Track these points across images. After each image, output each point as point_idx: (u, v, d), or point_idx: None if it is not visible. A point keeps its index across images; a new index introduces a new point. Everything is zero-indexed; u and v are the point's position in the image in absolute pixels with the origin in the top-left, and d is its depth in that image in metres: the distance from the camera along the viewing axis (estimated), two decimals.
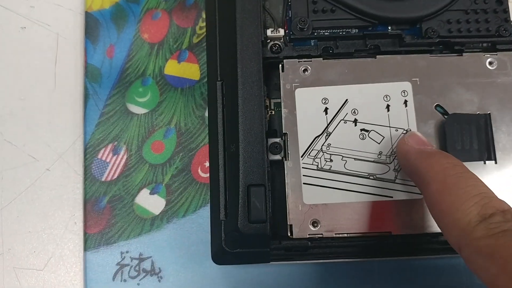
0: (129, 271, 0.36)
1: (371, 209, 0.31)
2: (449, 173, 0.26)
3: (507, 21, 0.33)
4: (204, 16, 0.39)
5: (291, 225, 0.31)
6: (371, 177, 0.31)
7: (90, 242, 0.36)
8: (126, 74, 0.39)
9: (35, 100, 0.38)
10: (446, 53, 0.33)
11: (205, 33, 0.38)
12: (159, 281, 0.36)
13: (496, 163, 0.31)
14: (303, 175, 0.31)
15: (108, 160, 0.37)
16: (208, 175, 0.36)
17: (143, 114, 0.38)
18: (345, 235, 0.31)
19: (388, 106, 0.32)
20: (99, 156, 0.38)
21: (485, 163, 0.31)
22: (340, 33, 0.34)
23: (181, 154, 0.37)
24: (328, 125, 0.32)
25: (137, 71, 0.39)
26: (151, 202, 0.37)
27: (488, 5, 0.33)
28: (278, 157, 0.32)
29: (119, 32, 0.40)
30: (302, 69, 0.33)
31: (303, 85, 0.32)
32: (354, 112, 0.32)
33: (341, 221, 0.31)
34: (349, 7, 0.33)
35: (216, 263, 0.32)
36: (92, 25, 0.40)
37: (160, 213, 0.37)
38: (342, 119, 0.32)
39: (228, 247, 0.31)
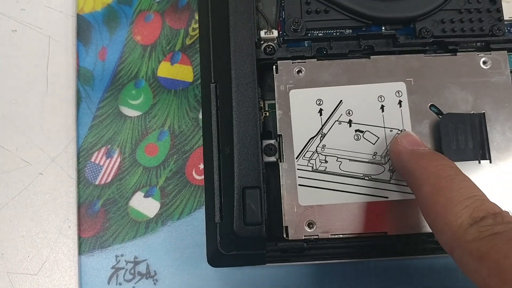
0: (124, 274, 0.36)
1: (367, 209, 0.31)
2: (441, 175, 0.26)
3: (500, 20, 0.33)
4: (197, 17, 0.39)
5: (286, 227, 0.31)
6: (366, 178, 0.31)
7: (85, 246, 0.36)
8: (118, 77, 0.39)
9: (27, 103, 0.38)
10: (440, 53, 0.33)
11: (198, 35, 0.38)
12: (155, 284, 0.35)
13: (490, 162, 0.31)
14: (298, 177, 0.31)
15: (101, 163, 0.37)
16: (202, 177, 0.36)
17: (137, 116, 0.38)
18: (341, 236, 0.31)
19: (382, 107, 0.32)
20: (93, 160, 0.37)
21: (480, 162, 0.31)
22: (334, 33, 0.34)
23: (175, 156, 0.37)
24: (322, 126, 0.32)
25: (130, 74, 0.39)
26: (146, 205, 0.37)
27: (482, 5, 0.34)
28: (273, 158, 0.32)
29: (111, 34, 0.39)
30: (296, 70, 0.33)
31: (297, 86, 0.32)
32: (349, 113, 0.32)
33: (337, 222, 0.31)
34: (343, 7, 0.33)
35: (212, 266, 0.32)
36: (84, 27, 0.39)
37: (155, 216, 0.36)
38: (337, 120, 0.32)
39: (224, 250, 0.31)
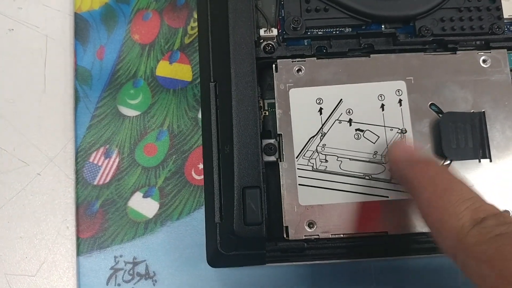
0: (123, 275, 0.35)
1: (367, 209, 0.31)
2: (439, 179, 0.26)
3: (500, 19, 0.33)
4: (195, 16, 0.39)
5: (287, 227, 0.31)
6: (366, 177, 0.31)
7: (83, 246, 0.36)
8: (117, 76, 0.38)
9: (24, 103, 0.37)
10: (440, 51, 0.33)
11: (197, 34, 0.38)
12: (154, 284, 0.35)
13: (490, 161, 0.31)
14: (299, 176, 0.31)
15: (100, 163, 0.37)
16: (202, 177, 0.36)
17: (135, 116, 0.38)
18: (341, 235, 0.31)
19: (382, 106, 0.32)
20: (91, 160, 0.37)
21: (480, 161, 0.31)
22: (334, 32, 0.34)
23: (174, 156, 0.37)
24: (322, 125, 0.32)
25: (128, 73, 0.38)
26: (145, 206, 0.36)
27: (481, 3, 0.33)
28: (273, 158, 0.32)
29: (109, 33, 0.39)
30: (296, 69, 0.32)
31: (297, 85, 0.32)
32: (349, 112, 0.32)
33: (337, 222, 0.31)
34: (343, 5, 0.33)
35: (212, 266, 0.32)
36: (81, 26, 0.39)
37: (154, 216, 0.36)
38: (337, 119, 0.32)
39: (223, 250, 0.31)
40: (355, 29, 0.34)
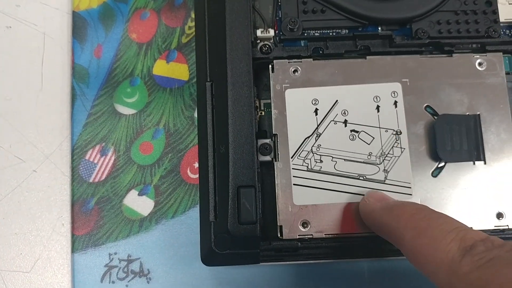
0: (118, 272, 0.36)
1: None
2: (418, 218, 0.25)
3: (496, 22, 0.34)
4: (193, 15, 0.39)
5: (281, 226, 0.31)
6: (361, 178, 0.31)
7: (78, 243, 0.36)
8: (114, 74, 0.38)
9: (21, 100, 0.38)
10: (436, 54, 0.33)
11: (194, 33, 0.38)
12: (148, 282, 0.35)
13: (485, 163, 0.32)
14: (293, 176, 0.31)
15: (95, 161, 0.37)
16: (197, 176, 0.36)
17: (131, 114, 0.38)
18: (335, 235, 0.31)
19: (378, 107, 0.32)
20: (87, 157, 0.37)
21: (474, 163, 0.31)
22: (330, 33, 0.34)
23: (170, 155, 0.37)
24: (318, 126, 0.32)
25: (125, 71, 0.38)
26: (140, 203, 0.36)
27: (478, 6, 0.34)
28: (268, 158, 0.32)
29: (107, 31, 0.39)
30: (292, 69, 0.33)
31: (293, 85, 0.32)
32: (344, 113, 0.32)
33: (331, 222, 0.31)
34: (339, 7, 0.33)
35: (205, 265, 0.32)
36: (79, 24, 0.39)
37: (149, 214, 0.36)
38: (332, 120, 0.32)
39: (218, 249, 0.31)
40: (352, 31, 0.34)
